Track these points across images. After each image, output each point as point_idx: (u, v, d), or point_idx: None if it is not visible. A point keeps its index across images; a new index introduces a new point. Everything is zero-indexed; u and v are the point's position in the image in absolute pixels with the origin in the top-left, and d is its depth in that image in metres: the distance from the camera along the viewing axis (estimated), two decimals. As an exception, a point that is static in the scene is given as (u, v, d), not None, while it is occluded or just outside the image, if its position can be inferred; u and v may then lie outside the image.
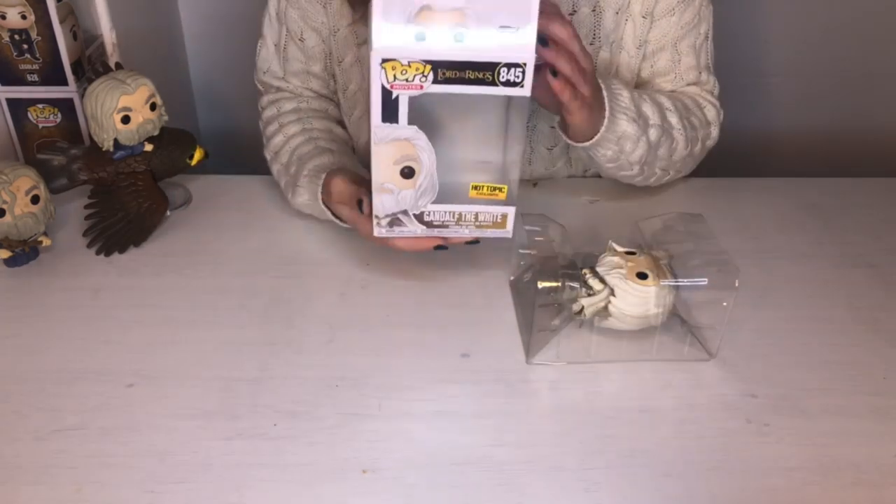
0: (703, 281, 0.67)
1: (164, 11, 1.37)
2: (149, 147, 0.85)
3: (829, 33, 1.46)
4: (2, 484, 0.57)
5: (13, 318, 0.74)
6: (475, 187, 0.67)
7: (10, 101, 1.01)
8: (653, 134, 0.81)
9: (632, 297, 0.66)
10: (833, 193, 0.97)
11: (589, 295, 0.68)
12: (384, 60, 0.58)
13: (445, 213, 0.67)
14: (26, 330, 0.72)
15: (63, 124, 1.03)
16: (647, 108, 0.81)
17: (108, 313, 0.75)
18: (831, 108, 1.55)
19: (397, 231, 0.68)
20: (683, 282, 0.68)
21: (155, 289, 0.78)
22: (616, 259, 0.68)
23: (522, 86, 0.60)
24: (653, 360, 0.69)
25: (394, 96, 0.60)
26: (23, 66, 0.98)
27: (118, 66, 0.86)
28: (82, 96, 0.87)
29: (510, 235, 0.68)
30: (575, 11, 0.84)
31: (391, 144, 0.62)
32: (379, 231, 0.67)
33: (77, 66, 1.00)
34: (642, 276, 0.66)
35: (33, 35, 0.96)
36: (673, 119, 0.84)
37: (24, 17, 0.95)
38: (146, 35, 1.26)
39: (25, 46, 0.97)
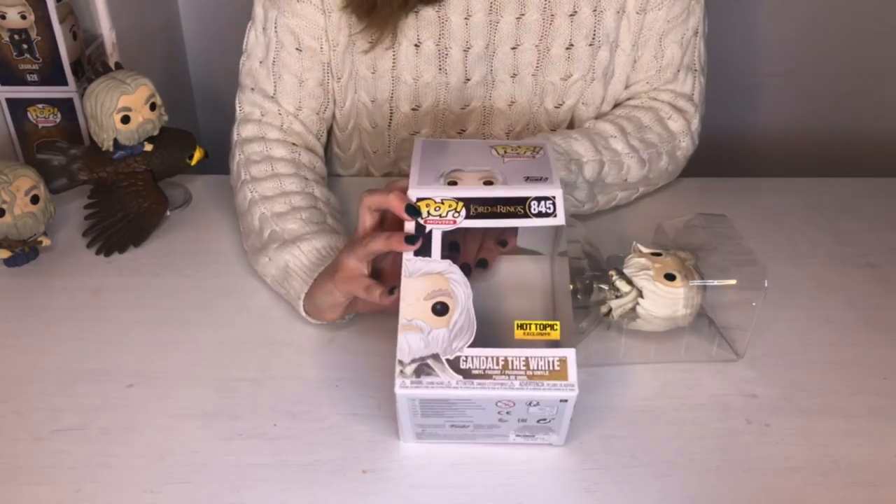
0: (732, 281, 0.67)
1: (164, 11, 1.37)
2: (149, 147, 0.85)
3: (829, 33, 1.46)
4: (2, 484, 0.57)
5: (13, 318, 0.74)
6: (520, 326, 0.58)
7: (10, 101, 1.01)
8: (589, 170, 0.81)
9: (660, 299, 0.66)
10: (833, 193, 0.97)
11: (617, 297, 0.67)
12: (418, 199, 0.61)
13: (487, 358, 0.55)
14: (26, 330, 0.72)
15: (63, 124, 1.03)
16: (579, 147, 0.81)
17: (108, 313, 0.75)
18: (831, 108, 1.55)
19: (426, 382, 0.54)
20: (712, 282, 0.67)
21: (155, 289, 0.78)
22: (642, 260, 0.68)
23: (555, 216, 0.60)
24: (679, 361, 0.69)
25: (427, 230, 0.60)
26: (23, 66, 0.99)
27: (118, 65, 0.86)
28: (82, 96, 0.87)
29: (575, 391, 0.54)
30: (575, 12, 0.84)
31: (422, 279, 0.58)
32: (402, 383, 0.54)
33: (77, 66, 1.00)
34: (670, 277, 0.66)
35: (33, 35, 0.96)
36: (618, 146, 0.84)
37: (23, 17, 0.95)
38: (146, 35, 1.26)
39: (25, 46, 0.97)
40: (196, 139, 0.89)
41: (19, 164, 0.80)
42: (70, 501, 0.56)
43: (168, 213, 0.87)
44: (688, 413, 0.64)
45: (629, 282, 0.67)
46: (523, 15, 0.84)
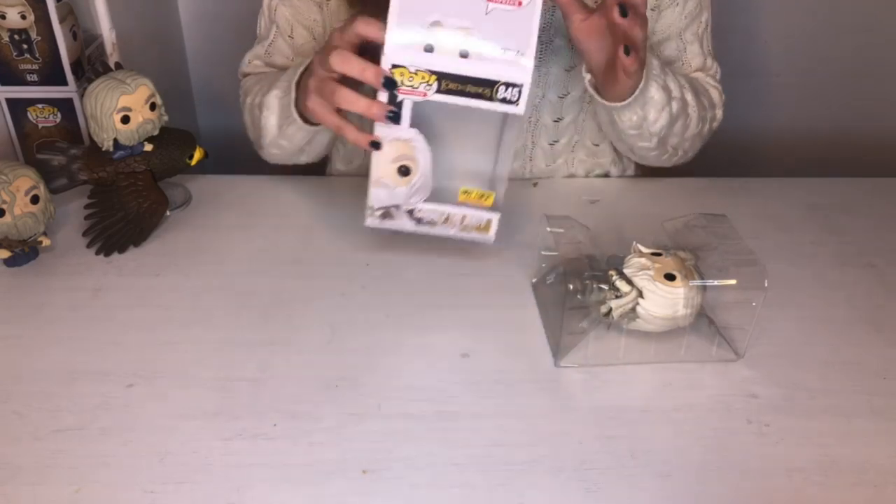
0: (732, 281, 0.67)
1: (164, 11, 1.37)
2: (149, 147, 0.85)
3: (829, 33, 1.46)
4: (2, 484, 0.57)
5: (13, 318, 0.74)
6: (464, 192, 0.71)
7: (10, 101, 1.01)
8: (674, 106, 0.84)
9: (660, 299, 0.66)
10: (833, 193, 0.97)
11: (617, 297, 0.68)
12: (393, 66, 0.63)
13: (435, 212, 0.71)
14: (26, 330, 0.72)
15: (63, 124, 1.03)
16: (671, 82, 0.84)
17: (108, 313, 0.75)
18: (831, 107, 1.55)
19: (387, 223, 0.72)
20: (712, 282, 0.67)
21: (155, 289, 0.78)
22: (642, 260, 0.68)
23: (517, 104, 0.65)
24: (679, 361, 0.69)
25: (398, 100, 0.65)
26: (23, 66, 0.99)
27: (118, 65, 0.86)
28: (82, 96, 0.87)
29: (492, 240, 0.74)
30: None
31: (391, 144, 0.67)
32: (372, 220, 0.72)
33: (77, 66, 1.00)
34: (670, 277, 0.66)
35: (33, 35, 0.96)
36: (689, 96, 0.87)
37: (23, 17, 0.95)
38: (146, 35, 1.26)
39: (25, 46, 0.97)
40: (196, 139, 0.89)
41: (19, 164, 0.79)
42: (70, 501, 0.56)
43: (168, 213, 0.87)
44: (688, 413, 0.64)
45: (629, 282, 0.67)
46: None
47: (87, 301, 0.76)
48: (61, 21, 0.96)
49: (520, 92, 0.64)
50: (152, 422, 0.63)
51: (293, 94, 0.78)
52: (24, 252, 0.79)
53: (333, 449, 0.60)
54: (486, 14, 0.63)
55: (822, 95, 1.53)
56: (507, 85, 0.64)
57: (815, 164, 1.60)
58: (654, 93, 0.80)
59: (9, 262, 0.79)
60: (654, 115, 0.82)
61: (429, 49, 0.63)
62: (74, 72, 1.00)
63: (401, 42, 0.62)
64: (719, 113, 0.96)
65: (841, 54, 1.48)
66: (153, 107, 0.84)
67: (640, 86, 0.78)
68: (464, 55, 0.63)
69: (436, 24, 0.62)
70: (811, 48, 1.47)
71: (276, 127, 0.83)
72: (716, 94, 0.95)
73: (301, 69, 0.77)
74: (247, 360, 0.69)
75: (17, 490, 0.57)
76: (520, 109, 0.65)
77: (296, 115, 0.79)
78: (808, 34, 1.46)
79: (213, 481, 0.58)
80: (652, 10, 0.88)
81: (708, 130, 0.94)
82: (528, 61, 0.63)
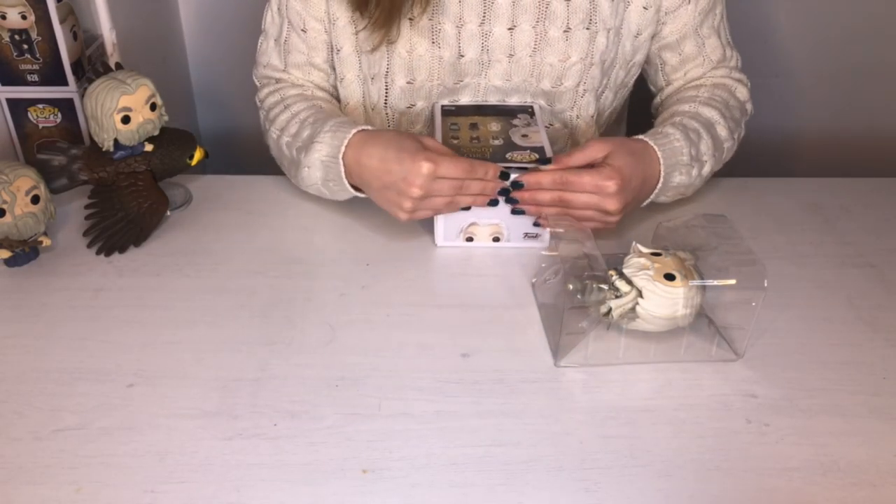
0: (732, 281, 0.67)
1: (164, 11, 1.37)
2: (149, 147, 0.85)
3: (828, 33, 1.46)
4: (2, 484, 0.57)
5: (13, 318, 0.74)
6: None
7: (10, 101, 1.01)
8: (706, 168, 0.87)
9: (660, 299, 0.66)
10: (833, 193, 0.97)
11: (616, 297, 0.67)
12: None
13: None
14: (26, 330, 0.72)
15: (63, 124, 1.03)
16: (704, 146, 0.86)
17: (108, 313, 0.75)
18: (831, 108, 1.55)
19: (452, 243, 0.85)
20: (712, 282, 0.67)
21: (155, 289, 0.78)
22: (642, 260, 0.68)
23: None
24: (679, 361, 0.69)
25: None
26: (23, 66, 0.99)
27: (118, 66, 0.86)
28: (82, 96, 0.87)
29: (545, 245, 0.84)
30: None
31: (488, 226, 0.84)
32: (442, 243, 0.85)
33: (77, 66, 1.00)
34: (670, 277, 0.66)
35: (33, 35, 0.96)
36: (723, 132, 0.89)
37: (24, 17, 0.95)
38: (146, 35, 1.26)
39: (25, 46, 0.97)
40: (196, 139, 0.89)
41: (20, 164, 0.79)
42: (70, 501, 0.56)
43: (168, 213, 0.87)
44: (687, 413, 0.64)
45: (629, 282, 0.67)
46: None
47: (87, 301, 0.76)
48: (62, 21, 0.96)
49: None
50: (152, 422, 0.63)
51: (341, 168, 0.80)
52: (25, 252, 0.79)
53: (333, 449, 0.61)
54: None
55: (821, 95, 1.53)
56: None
57: (814, 164, 1.60)
58: (679, 178, 0.85)
59: (9, 262, 0.79)
60: (684, 190, 0.87)
61: (469, 241, 0.84)
62: (75, 72, 1.00)
63: (447, 241, 0.84)
64: (749, 106, 0.97)
65: (840, 54, 1.48)
66: (153, 107, 0.84)
67: (660, 185, 0.83)
68: (495, 241, 0.84)
69: (473, 223, 0.82)
70: (811, 48, 1.47)
71: (321, 181, 0.85)
72: (743, 92, 0.96)
73: (343, 147, 0.80)
74: (247, 360, 0.69)
75: (17, 490, 0.57)
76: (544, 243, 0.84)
77: (349, 188, 0.83)
78: (808, 34, 1.46)
79: (213, 481, 0.58)
80: (645, 8, 0.88)
81: (744, 127, 0.97)
82: (546, 240, 0.84)
